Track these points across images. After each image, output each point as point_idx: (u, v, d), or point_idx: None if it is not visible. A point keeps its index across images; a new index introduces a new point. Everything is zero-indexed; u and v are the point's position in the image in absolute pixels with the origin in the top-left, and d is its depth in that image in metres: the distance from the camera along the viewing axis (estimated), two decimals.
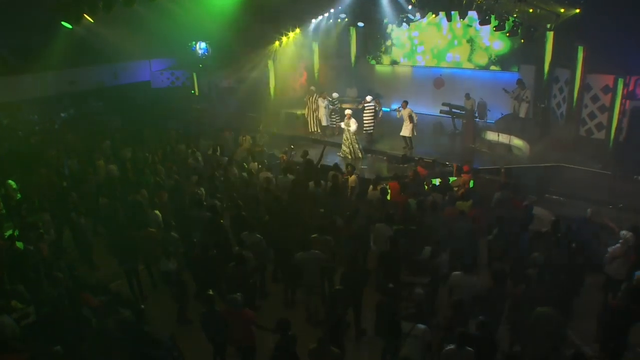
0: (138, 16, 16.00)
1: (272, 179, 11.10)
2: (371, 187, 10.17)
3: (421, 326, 5.69)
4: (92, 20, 11.50)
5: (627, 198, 10.98)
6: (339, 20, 18.79)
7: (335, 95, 15.99)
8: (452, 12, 15.25)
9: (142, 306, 6.69)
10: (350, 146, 14.53)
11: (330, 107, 15.99)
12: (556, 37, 14.40)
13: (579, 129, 14.15)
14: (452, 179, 11.38)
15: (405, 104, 14.64)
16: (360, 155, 14.52)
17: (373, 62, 20.50)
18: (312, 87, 17.51)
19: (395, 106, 18.96)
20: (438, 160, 12.93)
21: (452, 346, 5.40)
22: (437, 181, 11.08)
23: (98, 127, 18.68)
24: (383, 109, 17.20)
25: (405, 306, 6.53)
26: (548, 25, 13.99)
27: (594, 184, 11.82)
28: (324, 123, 16.11)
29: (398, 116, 14.71)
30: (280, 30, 18.64)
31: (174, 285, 7.72)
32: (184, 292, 7.81)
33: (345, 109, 14.87)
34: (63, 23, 12.70)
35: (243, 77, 21.88)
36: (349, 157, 14.46)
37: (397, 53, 19.69)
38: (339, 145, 15.10)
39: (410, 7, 14.57)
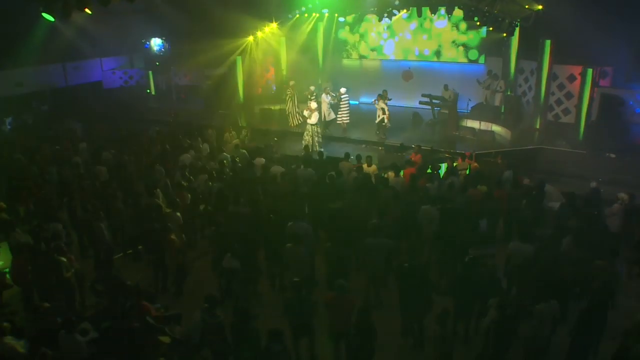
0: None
1: (287, 173, 11.18)
2: (392, 173, 10.60)
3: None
4: (90, 12, 10.59)
5: (604, 172, 12.35)
6: (314, 14, 18.99)
7: (343, 90, 16.19)
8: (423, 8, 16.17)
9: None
10: (311, 138, 14.77)
11: (332, 102, 16.21)
12: (522, 31, 15.70)
13: (547, 114, 15.56)
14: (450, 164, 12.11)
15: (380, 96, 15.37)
16: (317, 149, 14.48)
17: (343, 56, 20.96)
18: (292, 82, 17.58)
19: (364, 99, 19.75)
20: (434, 148, 13.66)
21: None
22: (443, 166, 11.77)
23: (55, 131, 17.37)
24: (351, 101, 17.58)
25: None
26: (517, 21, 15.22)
27: (573, 162, 13.16)
28: (327, 118, 16.21)
29: (374, 104, 15.50)
30: (256, 24, 18.44)
31: (238, 282, 7.64)
32: (246, 288, 7.77)
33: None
34: (44, 15, 11.62)
35: (207, 74, 21.44)
36: (309, 147, 14.52)
37: (365, 47, 20.31)
38: (340, 140, 15.57)
39: (397, 2, 15.10)
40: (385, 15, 16.05)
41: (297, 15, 18.70)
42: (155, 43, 23.37)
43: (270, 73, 21.86)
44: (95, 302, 8.08)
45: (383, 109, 15.17)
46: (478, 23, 14.40)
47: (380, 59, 20.38)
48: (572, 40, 14.04)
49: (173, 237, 8.23)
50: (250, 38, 19.50)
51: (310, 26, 20.10)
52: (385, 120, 15.27)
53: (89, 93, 22.45)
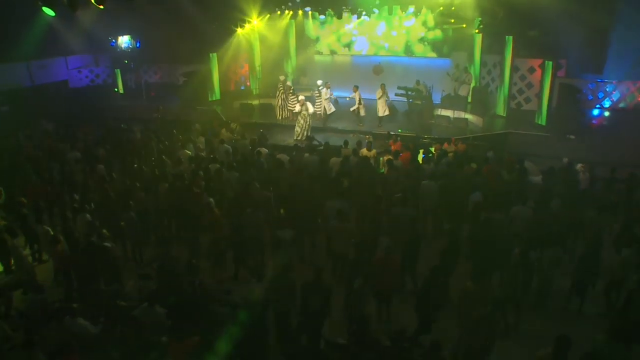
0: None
1: (294, 159, 11.98)
2: (390, 157, 11.70)
3: None
4: (101, 7, 10.68)
5: (565, 152, 14.04)
6: (287, 12, 19.75)
7: (319, 82, 17.04)
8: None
9: None
10: (304, 129, 15.63)
11: (333, 97, 17.04)
12: (485, 29, 17.28)
13: (510, 102, 17.27)
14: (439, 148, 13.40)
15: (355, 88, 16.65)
16: (307, 134, 15.53)
17: (314, 52, 21.87)
18: (282, 77, 18.30)
19: (336, 94, 20.76)
20: (419, 135, 14.92)
21: None
22: (433, 149, 13.02)
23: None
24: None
25: None
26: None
27: (538, 144, 14.84)
28: (328, 112, 17.07)
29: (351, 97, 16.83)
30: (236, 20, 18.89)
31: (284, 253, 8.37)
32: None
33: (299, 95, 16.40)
34: (44, 9, 11.53)
35: (182, 71, 21.61)
36: (299, 138, 15.55)
37: (336, 43, 21.33)
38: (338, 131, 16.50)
39: (377, 1, 16.22)
40: (364, 13, 17.08)
41: (278, 12, 19.32)
42: (123, 41, 23.12)
43: (245, 69, 22.38)
44: (139, 284, 8.54)
45: (359, 100, 16.48)
46: (452, 20, 15.79)
47: (351, 55, 21.48)
48: (534, 37, 15.87)
49: (216, 211, 8.84)
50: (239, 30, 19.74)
51: (284, 22, 20.89)
52: (362, 111, 16.54)
53: (53, 93, 22.02)
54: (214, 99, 20.92)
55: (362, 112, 16.83)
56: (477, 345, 6.10)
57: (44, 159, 12.92)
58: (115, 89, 23.66)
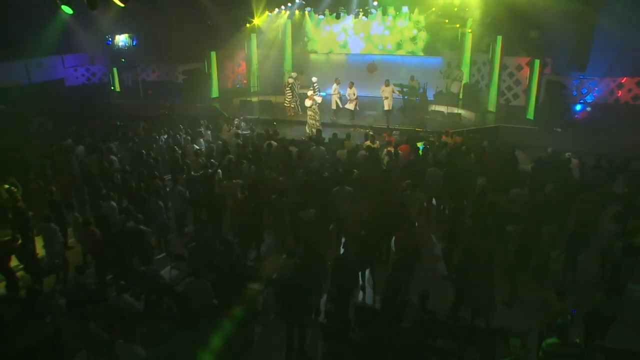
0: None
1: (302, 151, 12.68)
2: (392, 149, 12.51)
3: None
4: (122, 5, 11.10)
5: (553, 144, 15.07)
6: (283, 12, 20.42)
7: (314, 79, 17.81)
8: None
9: None
10: (314, 125, 16.11)
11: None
12: (475, 29, 18.28)
13: (500, 99, 18.28)
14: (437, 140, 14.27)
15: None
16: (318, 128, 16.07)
17: (309, 50, 22.59)
18: (295, 74, 18.97)
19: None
20: (416, 129, 15.79)
21: None
22: (432, 140, 13.90)
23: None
24: (320, 93, 19.22)
25: None
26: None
27: (527, 136, 15.84)
28: (333, 107, 17.75)
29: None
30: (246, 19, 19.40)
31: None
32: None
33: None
34: (63, 7, 11.90)
35: (182, 69, 22.06)
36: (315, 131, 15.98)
37: (332, 43, 22.10)
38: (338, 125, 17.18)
39: (375, 2, 17.00)
40: (362, 13, 17.87)
41: (275, 11, 19.97)
42: (120, 39, 23.42)
43: (242, 67, 22.96)
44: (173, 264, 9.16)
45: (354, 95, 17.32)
46: (447, 21, 16.70)
47: (346, 54, 22.27)
48: (521, 37, 16.90)
49: (239, 195, 9.52)
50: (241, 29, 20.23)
51: (280, 22, 21.56)
52: (351, 106, 17.43)
53: (53, 91, 22.24)
54: (213, 96, 21.46)
55: (352, 107, 17.54)
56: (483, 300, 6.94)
57: (58, 154, 13.32)
58: (112, 87, 23.96)
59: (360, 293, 8.47)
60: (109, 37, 23.35)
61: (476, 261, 7.29)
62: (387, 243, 9.15)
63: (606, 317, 6.55)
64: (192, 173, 11.21)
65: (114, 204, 10.10)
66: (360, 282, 8.46)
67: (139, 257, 8.75)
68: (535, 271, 8.72)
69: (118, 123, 18.25)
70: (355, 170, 10.95)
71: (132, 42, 23.57)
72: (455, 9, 16.23)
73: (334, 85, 17.61)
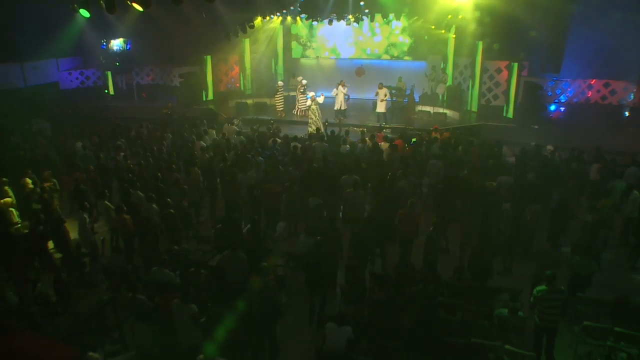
0: None
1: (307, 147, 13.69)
2: (387, 144, 13.64)
3: None
4: (141, 9, 11.80)
5: (531, 140, 16.46)
6: (276, 16, 21.38)
7: (304, 82, 18.82)
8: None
9: None
10: (316, 122, 17.22)
11: (347, 95, 18.78)
12: (458, 35, 19.67)
13: (481, 99, 19.67)
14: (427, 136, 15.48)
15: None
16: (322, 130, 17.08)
17: (299, 55, 23.66)
18: (300, 77, 20.00)
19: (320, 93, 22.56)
20: (406, 127, 16.99)
21: None
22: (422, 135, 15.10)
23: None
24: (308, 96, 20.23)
25: None
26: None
27: (507, 133, 17.21)
28: (342, 107, 18.72)
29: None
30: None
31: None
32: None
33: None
34: (81, 11, 12.49)
35: (177, 72, 22.80)
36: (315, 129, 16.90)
37: (322, 47, 23.24)
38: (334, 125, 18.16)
39: (367, 10, 18.18)
40: (353, 20, 19.02)
41: (268, 17, 20.93)
42: (115, 43, 24.02)
43: (235, 71, 23.85)
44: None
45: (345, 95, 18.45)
46: (433, 27, 18.01)
47: (335, 58, 23.44)
48: (501, 42, 18.33)
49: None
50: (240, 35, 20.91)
51: (273, 27, 22.56)
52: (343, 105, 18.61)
53: (49, 93, 22.68)
54: (208, 99, 22.27)
55: (344, 106, 18.59)
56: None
57: (72, 151, 14.01)
58: (106, 90, 24.49)
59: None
60: (103, 41, 23.95)
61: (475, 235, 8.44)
62: (392, 222, 10.21)
63: (584, 275, 7.76)
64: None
65: (141, 193, 10.92)
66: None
67: (171, 238, 9.61)
68: (523, 245, 9.92)
69: (120, 124, 18.85)
70: (362, 164, 12.05)
71: (127, 46, 24.20)
72: (450, 16, 17.48)
73: (339, 87, 18.59)
